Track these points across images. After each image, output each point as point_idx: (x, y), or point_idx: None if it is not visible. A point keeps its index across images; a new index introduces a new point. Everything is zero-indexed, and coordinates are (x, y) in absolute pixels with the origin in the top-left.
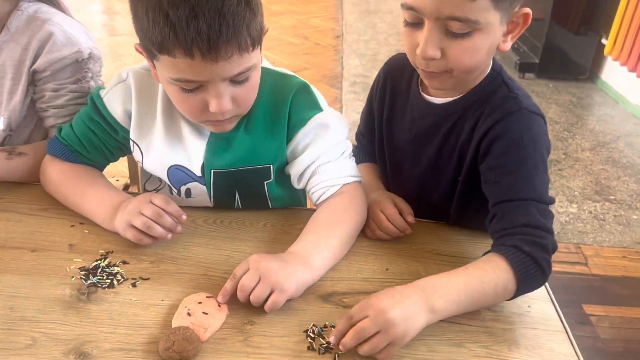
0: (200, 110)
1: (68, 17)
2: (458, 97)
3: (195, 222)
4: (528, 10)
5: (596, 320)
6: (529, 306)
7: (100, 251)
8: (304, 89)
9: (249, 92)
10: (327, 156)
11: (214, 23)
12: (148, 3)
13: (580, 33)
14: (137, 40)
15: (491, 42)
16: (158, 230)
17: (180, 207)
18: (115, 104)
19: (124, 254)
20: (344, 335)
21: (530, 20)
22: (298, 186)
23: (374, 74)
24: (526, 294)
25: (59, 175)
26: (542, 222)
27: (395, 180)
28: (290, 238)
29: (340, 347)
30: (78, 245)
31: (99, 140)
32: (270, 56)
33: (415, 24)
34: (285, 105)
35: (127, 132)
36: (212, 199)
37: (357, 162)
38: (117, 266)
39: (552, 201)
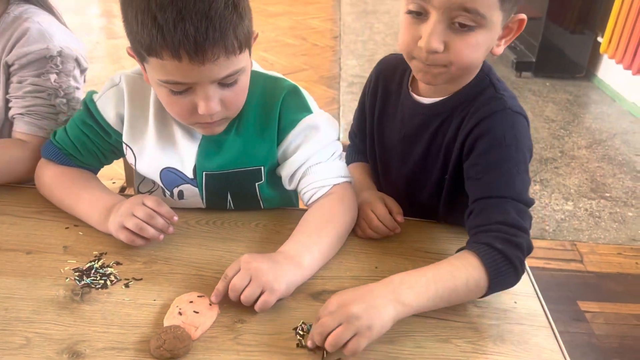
0: (189, 113)
1: (52, 18)
2: (446, 97)
3: (187, 223)
4: (524, 16)
5: (591, 317)
6: (515, 302)
7: (94, 252)
8: (294, 91)
9: (238, 95)
10: (317, 157)
11: (201, 26)
12: (137, 6)
13: (577, 31)
14: None
15: (490, 41)
16: (150, 231)
17: (173, 208)
18: (108, 108)
19: (117, 255)
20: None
21: (524, 27)
22: (289, 187)
23: None
24: (513, 290)
25: (54, 178)
26: (517, 220)
27: (386, 178)
28: (282, 238)
29: (309, 343)
30: (72, 247)
31: (92, 143)
32: (269, 57)
33: (419, 14)
34: (275, 108)
35: (120, 135)
36: (204, 201)
37: (349, 161)
38: (111, 267)
39: (531, 202)
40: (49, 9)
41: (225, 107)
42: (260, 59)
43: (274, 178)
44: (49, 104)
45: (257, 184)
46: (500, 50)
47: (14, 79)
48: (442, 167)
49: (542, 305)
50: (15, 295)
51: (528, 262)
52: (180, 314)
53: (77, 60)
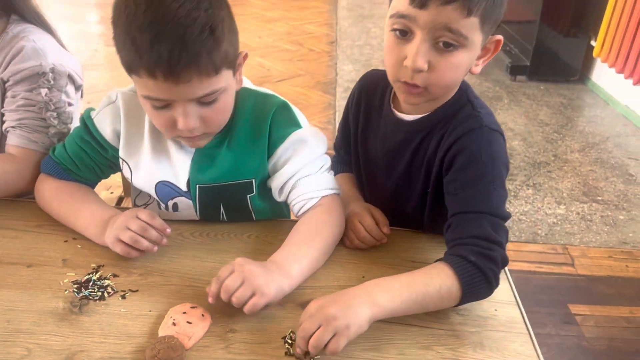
0: (170, 127)
1: (48, 36)
2: (427, 114)
3: (182, 235)
4: (500, 37)
5: (581, 320)
6: (495, 310)
7: (92, 265)
8: (284, 107)
9: (218, 113)
10: (305, 170)
11: (174, 49)
12: (121, 26)
13: (570, 35)
14: None
15: (470, 61)
16: (144, 243)
17: (168, 221)
18: (104, 125)
19: (114, 268)
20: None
21: (500, 47)
22: (279, 199)
23: None
24: (494, 298)
25: (53, 192)
26: (492, 235)
27: (371, 190)
28: (273, 249)
29: (297, 351)
30: (71, 259)
31: (90, 158)
32: (265, 63)
33: (404, 34)
34: (265, 123)
35: (117, 150)
36: (198, 213)
37: (335, 172)
38: (108, 279)
39: (507, 215)
40: (47, 28)
41: (205, 124)
42: (257, 65)
43: (265, 190)
44: (39, 117)
45: (248, 196)
46: (478, 69)
47: (8, 94)
48: (425, 181)
49: (522, 313)
50: (16, 308)
51: (520, 266)
52: (174, 324)
53: (70, 77)
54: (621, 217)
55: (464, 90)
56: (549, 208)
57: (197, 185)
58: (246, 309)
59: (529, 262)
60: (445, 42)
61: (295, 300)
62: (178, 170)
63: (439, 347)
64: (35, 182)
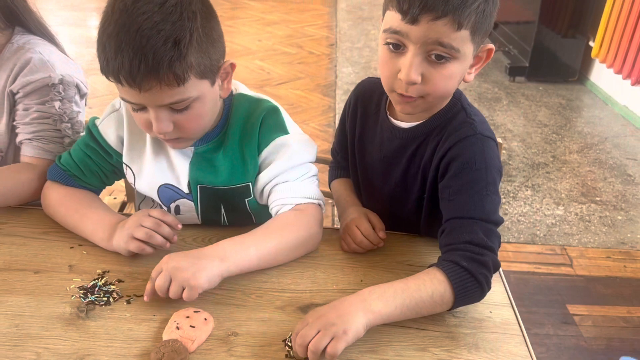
0: (148, 128)
1: (55, 49)
2: (422, 121)
3: (185, 240)
4: (491, 46)
5: (580, 320)
6: (490, 311)
7: (98, 271)
8: (273, 112)
9: (191, 120)
10: (284, 176)
11: (135, 59)
12: (98, 33)
13: (569, 36)
14: None
15: (462, 71)
16: (158, 239)
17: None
18: (109, 131)
19: (119, 273)
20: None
21: (492, 55)
22: (261, 202)
23: None
24: (488, 300)
25: (59, 198)
26: (484, 240)
27: (368, 195)
28: None
29: (300, 353)
30: (77, 265)
31: (95, 164)
32: (265, 66)
33: (397, 47)
34: (255, 128)
35: (121, 156)
36: (199, 215)
37: (333, 177)
38: (113, 284)
39: (500, 221)
40: (51, 39)
41: (179, 130)
42: (257, 68)
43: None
44: (54, 128)
45: (246, 200)
46: (471, 77)
47: (20, 106)
48: (421, 186)
49: (516, 314)
50: (25, 313)
51: (519, 267)
52: (178, 328)
53: (77, 87)
54: (619, 217)
55: (458, 97)
56: (548, 209)
57: (198, 186)
58: (185, 300)
59: (528, 263)
60: (438, 55)
61: (294, 304)
62: (178, 172)
63: (435, 348)
64: None
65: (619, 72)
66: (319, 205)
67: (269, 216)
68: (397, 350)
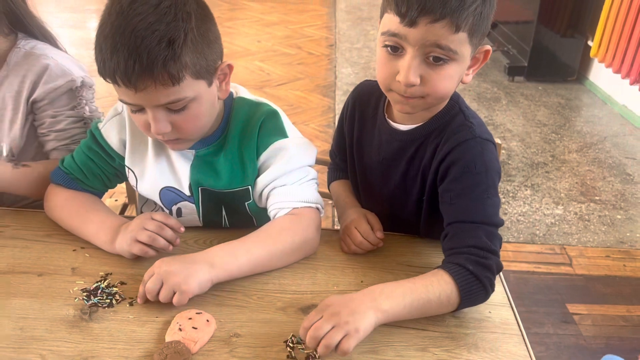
0: (147, 129)
1: (62, 52)
2: (420, 124)
3: (186, 242)
4: (489, 47)
5: (579, 319)
6: (489, 312)
7: (100, 273)
8: (272, 116)
9: (189, 121)
10: (282, 180)
11: (130, 59)
12: (96, 35)
13: (568, 35)
14: None
15: (460, 73)
16: (161, 242)
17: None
18: (111, 134)
19: (121, 275)
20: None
21: (489, 56)
22: (260, 205)
23: None
24: (488, 301)
25: (62, 201)
26: (487, 244)
27: (367, 197)
28: None
29: (310, 333)
30: (80, 268)
31: (97, 167)
32: (265, 67)
33: (395, 49)
34: (254, 132)
35: (123, 159)
36: (201, 217)
37: (332, 179)
38: (116, 287)
39: (501, 222)
40: (54, 43)
41: (177, 130)
42: (257, 69)
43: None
44: (85, 130)
45: (246, 203)
46: (469, 78)
47: (47, 114)
48: (420, 188)
49: (515, 314)
50: (29, 316)
51: (519, 267)
52: (180, 329)
53: (92, 87)
54: (619, 216)
55: (455, 100)
56: (547, 208)
57: (200, 188)
58: (175, 304)
59: (528, 262)
60: (436, 57)
61: (295, 305)
62: (180, 175)
63: (435, 348)
64: None
65: (617, 71)
66: (317, 209)
67: (270, 219)
68: (398, 351)
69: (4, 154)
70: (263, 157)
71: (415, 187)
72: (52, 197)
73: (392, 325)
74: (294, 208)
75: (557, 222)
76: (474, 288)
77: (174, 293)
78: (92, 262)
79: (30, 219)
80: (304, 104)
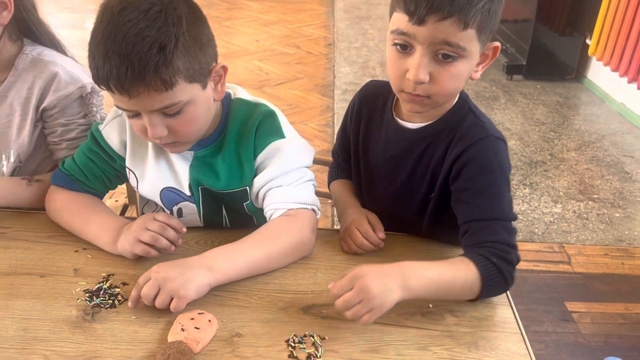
0: (144, 134)
1: (69, 59)
2: (430, 122)
3: (188, 243)
4: (497, 44)
5: (578, 317)
6: (489, 311)
7: (102, 274)
8: (269, 116)
9: (185, 124)
10: (278, 181)
11: (121, 65)
12: (89, 45)
13: (566, 34)
14: None
15: (469, 70)
16: (163, 242)
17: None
18: (112, 136)
19: (124, 276)
20: (337, 296)
21: (498, 53)
22: (257, 206)
23: (365, 81)
24: (488, 300)
25: (63, 203)
26: (507, 239)
27: (370, 197)
28: None
29: (338, 303)
30: (82, 269)
31: (98, 169)
32: (264, 67)
33: (404, 47)
34: (252, 132)
35: (124, 160)
36: (201, 217)
37: (333, 178)
38: (118, 287)
39: (515, 217)
40: (62, 50)
41: (174, 134)
42: (256, 69)
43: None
44: None
45: (244, 203)
46: (477, 75)
47: (59, 122)
48: (428, 187)
49: (514, 313)
50: (32, 317)
51: (518, 265)
52: (182, 329)
53: (101, 93)
54: (617, 214)
55: (465, 100)
56: (546, 207)
57: (200, 188)
58: (171, 309)
59: (527, 260)
60: (445, 54)
61: (297, 304)
62: (180, 175)
63: (435, 347)
64: None
65: (615, 69)
66: (313, 210)
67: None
68: (398, 350)
69: (12, 160)
70: (260, 157)
71: (423, 186)
72: (53, 199)
73: (392, 324)
74: (290, 209)
75: (555, 221)
76: (495, 280)
77: (171, 299)
78: (94, 263)
79: (32, 220)
80: (302, 104)
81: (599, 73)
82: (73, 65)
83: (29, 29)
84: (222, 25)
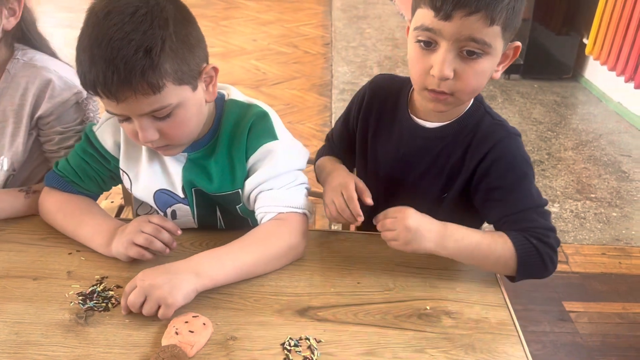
0: (136, 138)
1: (61, 63)
2: (447, 122)
3: (182, 245)
4: (519, 43)
5: (575, 317)
6: (486, 312)
7: (96, 277)
8: (262, 117)
9: (175, 127)
10: (269, 184)
11: (107, 70)
12: (76, 50)
13: (563, 33)
14: None
15: (492, 68)
16: (158, 244)
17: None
18: (106, 137)
19: (117, 279)
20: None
21: (519, 53)
22: (249, 208)
23: (362, 81)
24: (485, 301)
25: (57, 204)
26: (545, 223)
27: (378, 195)
28: None
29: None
30: (75, 272)
31: (92, 170)
32: (261, 66)
33: (428, 44)
34: (244, 134)
35: (118, 161)
36: (195, 219)
37: (321, 156)
38: (112, 290)
39: (546, 202)
40: (51, 52)
41: (165, 137)
42: (253, 68)
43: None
44: None
45: (237, 206)
46: (498, 75)
47: (55, 130)
48: (443, 187)
49: (512, 315)
50: (24, 320)
51: None
52: (177, 333)
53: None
54: (614, 214)
55: (480, 101)
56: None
57: (193, 189)
58: (159, 317)
59: None
60: (469, 51)
61: (292, 307)
62: (173, 177)
63: (432, 350)
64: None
65: (612, 69)
66: (305, 214)
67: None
68: (395, 352)
69: (5, 168)
70: (252, 159)
71: (436, 185)
72: (46, 201)
73: (389, 327)
74: (280, 213)
75: (553, 220)
76: (532, 260)
77: (159, 306)
78: (88, 265)
79: (25, 222)
80: (300, 103)
81: (596, 72)
82: (67, 70)
83: (26, 38)
84: (220, 25)
